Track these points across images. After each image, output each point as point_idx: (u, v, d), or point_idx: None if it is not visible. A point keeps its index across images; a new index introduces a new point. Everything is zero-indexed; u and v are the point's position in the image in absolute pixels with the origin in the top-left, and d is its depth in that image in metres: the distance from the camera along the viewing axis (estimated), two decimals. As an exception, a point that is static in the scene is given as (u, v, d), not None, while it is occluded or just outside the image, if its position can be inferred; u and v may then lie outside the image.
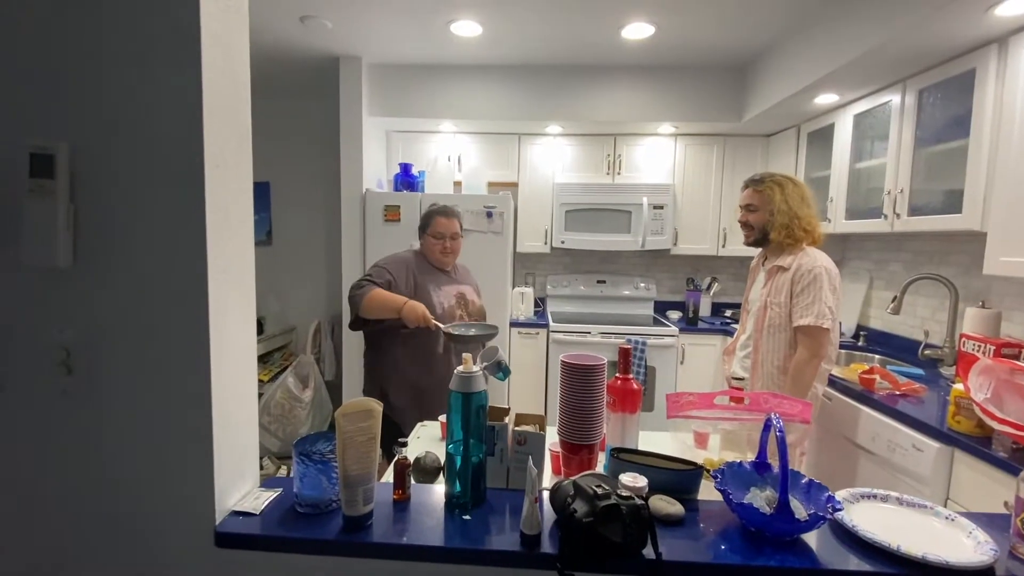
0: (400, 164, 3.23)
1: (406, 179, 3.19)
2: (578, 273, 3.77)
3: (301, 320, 3.80)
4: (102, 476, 0.93)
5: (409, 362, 1.93)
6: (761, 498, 0.91)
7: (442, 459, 1.17)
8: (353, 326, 1.94)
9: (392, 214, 3.05)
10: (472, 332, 1.86)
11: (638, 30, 2.57)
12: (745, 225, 1.97)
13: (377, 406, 0.91)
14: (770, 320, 1.85)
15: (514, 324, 3.25)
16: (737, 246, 3.31)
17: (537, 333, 3.26)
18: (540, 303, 3.75)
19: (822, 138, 2.82)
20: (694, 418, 1.14)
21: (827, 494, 0.91)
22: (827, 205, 2.69)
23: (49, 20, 0.87)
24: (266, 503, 0.95)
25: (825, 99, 2.58)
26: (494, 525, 0.91)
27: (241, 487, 0.98)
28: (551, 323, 3.24)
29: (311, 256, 3.85)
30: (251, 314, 1.01)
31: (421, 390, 1.92)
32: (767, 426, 0.97)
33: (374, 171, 3.32)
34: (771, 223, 1.87)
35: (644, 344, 3.09)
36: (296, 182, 3.81)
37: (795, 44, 2.52)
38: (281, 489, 1.00)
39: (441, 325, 1.83)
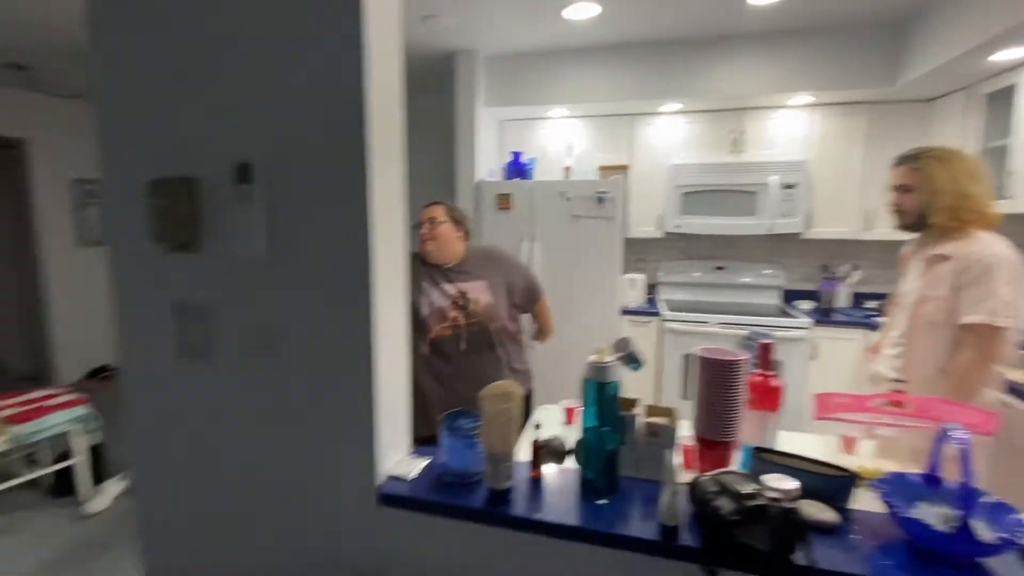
0: (512, 152, 3.29)
1: (517, 167, 3.25)
2: (693, 259, 3.59)
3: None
4: (286, 442, 1.09)
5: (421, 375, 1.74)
6: (933, 514, 0.83)
7: (567, 443, 1.21)
8: None
9: (504, 202, 3.13)
10: None
11: (770, -7, 2.35)
12: (898, 209, 1.73)
13: (516, 389, 0.96)
14: (927, 316, 1.62)
15: (625, 312, 3.20)
16: (885, 229, 2.93)
17: (648, 321, 3.18)
18: (652, 290, 3.64)
19: (999, 101, 2.38)
20: (846, 421, 1.05)
21: (1014, 516, 0.80)
22: (1004, 180, 2.27)
23: (223, 55, 1.01)
24: (417, 470, 1.06)
25: (1005, 55, 2.16)
26: (629, 512, 0.92)
27: (393, 455, 1.10)
28: (664, 311, 3.14)
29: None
30: (403, 299, 1.11)
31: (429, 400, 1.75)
32: (942, 436, 0.87)
33: (486, 161, 3.42)
34: (931, 205, 1.62)
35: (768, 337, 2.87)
36: (411, 177, 4.04)
37: (973, -10, 2.13)
38: (431, 458, 1.10)
39: None
